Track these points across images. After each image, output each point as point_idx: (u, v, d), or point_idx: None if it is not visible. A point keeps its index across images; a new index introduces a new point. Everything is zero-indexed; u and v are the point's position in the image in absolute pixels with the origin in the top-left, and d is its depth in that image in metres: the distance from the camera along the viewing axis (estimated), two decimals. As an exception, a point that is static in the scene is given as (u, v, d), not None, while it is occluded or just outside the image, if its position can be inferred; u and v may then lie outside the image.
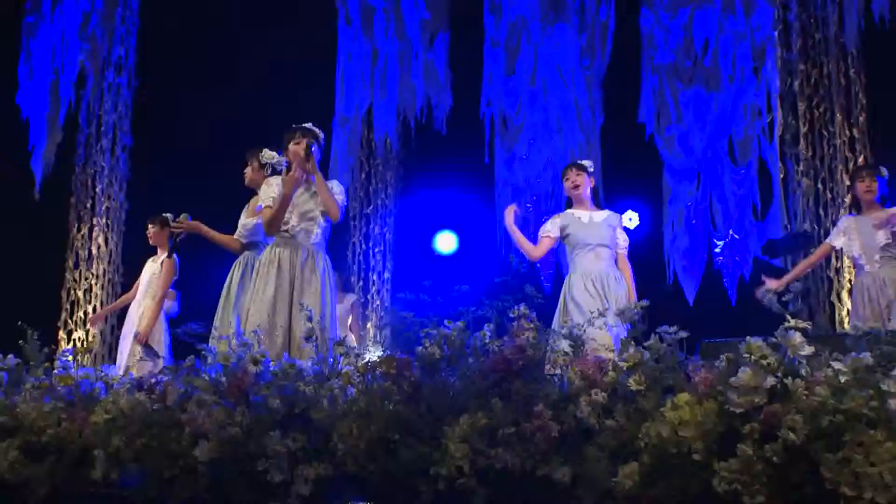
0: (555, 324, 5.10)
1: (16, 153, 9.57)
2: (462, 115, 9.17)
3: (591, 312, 4.48)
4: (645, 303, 3.19)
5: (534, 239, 5.72)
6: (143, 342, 6.68)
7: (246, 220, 5.88)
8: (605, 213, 5.67)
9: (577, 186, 5.63)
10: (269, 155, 5.79)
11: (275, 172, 5.76)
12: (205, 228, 5.97)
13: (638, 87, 8.72)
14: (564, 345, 3.23)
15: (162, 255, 7.07)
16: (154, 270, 7.01)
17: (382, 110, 9.42)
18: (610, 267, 5.46)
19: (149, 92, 9.63)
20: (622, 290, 5.35)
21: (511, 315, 3.20)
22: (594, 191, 5.77)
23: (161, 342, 6.83)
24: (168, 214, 7.09)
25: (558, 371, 3.15)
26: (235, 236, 5.92)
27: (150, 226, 7.17)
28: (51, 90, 9.81)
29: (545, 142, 9.00)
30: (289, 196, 4.97)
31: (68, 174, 9.61)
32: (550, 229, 5.65)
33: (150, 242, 7.17)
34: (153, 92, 9.51)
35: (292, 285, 4.91)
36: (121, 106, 9.68)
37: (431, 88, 9.31)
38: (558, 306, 5.39)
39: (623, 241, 5.64)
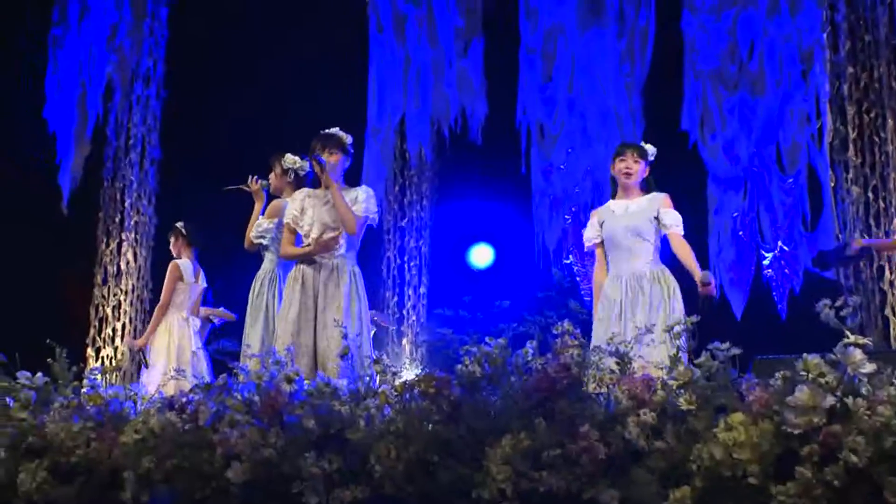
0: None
1: (43, 167, 9.66)
2: (498, 125, 9.13)
3: (613, 330, 4.39)
4: (696, 318, 3.14)
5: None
6: (137, 347, 6.78)
7: (261, 220, 5.92)
8: (648, 197, 5.14)
9: (629, 173, 5.13)
10: (290, 160, 5.82)
11: (297, 178, 5.79)
12: (260, 204, 6.05)
13: (680, 93, 8.63)
14: (610, 362, 3.19)
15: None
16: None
17: (416, 120, 9.40)
18: (648, 264, 4.95)
19: (177, 103, 9.69)
20: (659, 290, 4.85)
21: (555, 331, 3.17)
22: (649, 182, 5.23)
23: (162, 351, 6.88)
24: (179, 223, 7.18)
25: (604, 390, 3.11)
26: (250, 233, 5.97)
27: (171, 238, 7.28)
28: (78, 103, 9.89)
29: (584, 151, 8.95)
30: (315, 253, 4.96)
31: (96, 188, 9.68)
32: (592, 236, 5.14)
33: (174, 255, 7.26)
34: (182, 103, 9.57)
35: (316, 301, 4.89)
36: (149, 118, 9.75)
37: (466, 97, 9.29)
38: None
39: (671, 218, 5.02)
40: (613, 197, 5.30)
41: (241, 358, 5.03)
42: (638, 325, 4.16)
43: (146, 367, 6.79)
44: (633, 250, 5.01)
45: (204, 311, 7.27)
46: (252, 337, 5.61)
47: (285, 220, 5.19)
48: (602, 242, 5.14)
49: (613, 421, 2.98)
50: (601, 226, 5.14)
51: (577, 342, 3.11)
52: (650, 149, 5.27)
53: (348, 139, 5.20)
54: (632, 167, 5.15)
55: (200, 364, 6.91)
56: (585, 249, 5.36)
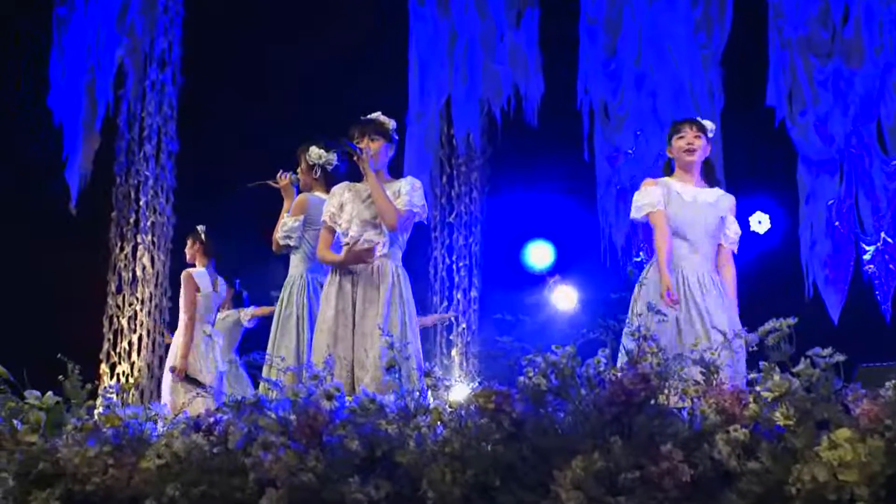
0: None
1: (48, 163, 9.78)
2: (556, 105, 9.12)
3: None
4: (793, 320, 3.11)
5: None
6: (182, 377, 6.83)
7: (286, 219, 5.91)
8: (716, 193, 5.19)
9: (692, 150, 5.09)
10: (315, 154, 5.81)
11: (326, 173, 5.81)
12: (289, 202, 6.05)
13: (765, 64, 8.57)
14: (694, 371, 3.17)
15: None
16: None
17: (463, 102, 9.41)
18: (707, 266, 5.01)
19: (197, 89, 9.76)
20: (717, 301, 4.89)
21: (630, 338, 3.15)
22: (709, 166, 5.27)
23: (207, 370, 6.95)
24: (201, 227, 7.25)
25: (688, 403, 3.09)
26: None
27: (188, 241, 7.36)
28: (86, 91, 10.01)
29: (654, 133, 8.87)
30: (348, 263, 4.97)
31: (108, 186, 9.77)
32: (656, 199, 5.01)
33: (187, 260, 7.34)
34: (202, 89, 9.64)
35: (355, 307, 4.92)
36: (165, 106, 9.81)
37: (520, 74, 9.28)
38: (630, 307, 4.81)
39: (733, 233, 5.15)
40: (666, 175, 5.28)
41: (266, 371, 5.06)
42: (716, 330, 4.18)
43: (205, 388, 6.84)
44: (700, 249, 5.03)
45: (248, 312, 7.36)
46: (282, 350, 5.63)
47: (322, 218, 5.20)
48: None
49: (700, 439, 2.95)
50: (665, 203, 5.05)
51: (655, 349, 3.09)
52: (709, 124, 5.25)
53: (391, 124, 5.20)
54: (694, 142, 5.11)
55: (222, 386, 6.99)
56: (638, 216, 5.09)
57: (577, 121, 8.95)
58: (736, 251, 5.18)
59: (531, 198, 9.21)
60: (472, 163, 9.61)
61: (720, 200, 5.16)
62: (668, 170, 5.30)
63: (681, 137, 5.14)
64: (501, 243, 9.58)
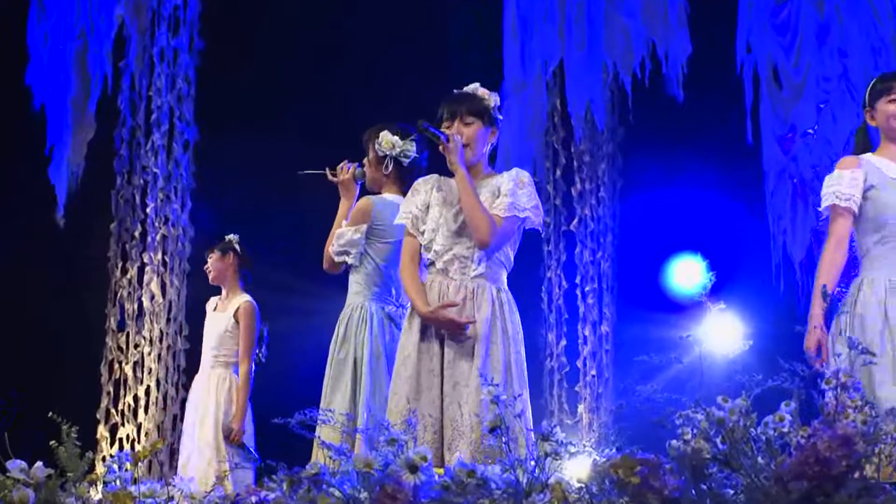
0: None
1: (27, 158, 9.93)
2: (707, 70, 9.08)
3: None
4: None
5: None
6: (237, 436, 6.96)
7: (344, 228, 5.96)
8: None
9: None
10: (387, 142, 5.82)
11: (401, 168, 5.83)
12: (349, 202, 6.08)
13: None
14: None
15: (233, 298, 7.37)
16: (226, 324, 7.32)
17: (580, 68, 9.40)
18: None
19: (220, 58, 9.85)
20: None
21: (824, 386, 3.12)
22: None
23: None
24: (233, 236, 7.36)
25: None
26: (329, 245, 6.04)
27: (209, 255, 7.47)
28: (76, 62, 10.17)
29: (844, 107, 8.82)
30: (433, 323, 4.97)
31: (105, 187, 9.91)
32: (851, 192, 5.03)
33: (211, 279, 7.47)
34: (226, 58, 9.72)
35: (444, 348, 4.94)
36: (180, 81, 9.95)
37: (657, 30, 9.25)
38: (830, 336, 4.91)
39: None
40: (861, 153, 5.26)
41: (326, 433, 5.11)
42: None
43: (258, 461, 6.97)
44: None
45: None
46: (335, 403, 5.66)
47: (401, 219, 5.18)
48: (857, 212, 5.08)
49: (923, 524, 2.93)
50: (868, 191, 5.06)
51: (860, 402, 3.06)
52: None
53: (493, 100, 5.16)
54: None
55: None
56: (821, 207, 5.20)
57: (737, 90, 8.90)
58: None
59: (676, 196, 9.11)
60: (597, 150, 9.57)
61: None
62: (864, 141, 5.31)
63: (892, 100, 5.11)
64: (639, 259, 9.49)
